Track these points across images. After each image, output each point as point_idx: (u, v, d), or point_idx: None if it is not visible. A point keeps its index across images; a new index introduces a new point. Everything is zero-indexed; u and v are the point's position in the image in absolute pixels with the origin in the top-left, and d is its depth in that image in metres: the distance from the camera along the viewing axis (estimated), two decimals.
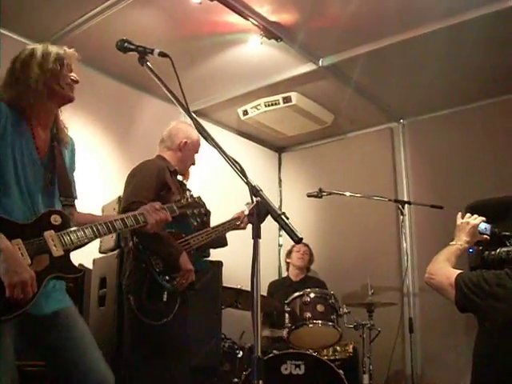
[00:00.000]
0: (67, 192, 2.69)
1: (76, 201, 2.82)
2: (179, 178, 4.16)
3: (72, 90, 2.69)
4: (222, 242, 4.36)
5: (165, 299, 3.59)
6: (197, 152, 4.18)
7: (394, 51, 5.21)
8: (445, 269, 2.95)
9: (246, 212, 4.09)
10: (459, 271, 2.89)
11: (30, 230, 2.41)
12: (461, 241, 3.15)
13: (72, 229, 2.52)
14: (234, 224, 4.13)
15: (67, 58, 2.68)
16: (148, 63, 2.52)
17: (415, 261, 6.31)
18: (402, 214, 5.56)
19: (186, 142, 4.09)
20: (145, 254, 3.58)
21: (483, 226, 3.20)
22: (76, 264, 2.52)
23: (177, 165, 4.06)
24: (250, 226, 3.80)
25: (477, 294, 2.74)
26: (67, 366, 2.56)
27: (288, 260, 6.49)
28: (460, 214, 3.31)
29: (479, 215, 5.33)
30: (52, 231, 2.45)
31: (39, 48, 2.63)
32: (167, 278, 3.60)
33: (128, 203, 3.53)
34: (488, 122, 6.06)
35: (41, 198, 2.57)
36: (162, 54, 2.48)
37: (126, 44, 2.53)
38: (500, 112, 6.00)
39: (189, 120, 2.38)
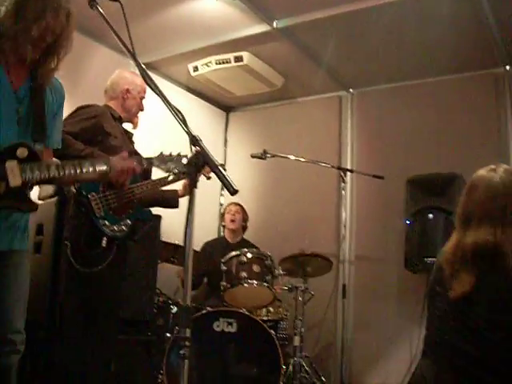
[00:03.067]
0: (40, 132, 2.63)
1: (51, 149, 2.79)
2: (128, 126, 4.15)
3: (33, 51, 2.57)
4: (173, 203, 4.37)
5: (104, 245, 3.56)
6: (142, 98, 4.17)
7: (350, 19, 5.20)
8: None
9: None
10: None
11: None
12: None
13: (36, 163, 2.48)
14: (178, 179, 4.12)
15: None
16: (98, 7, 2.47)
17: (353, 229, 6.40)
18: (344, 181, 5.64)
19: (127, 89, 4.10)
20: (86, 198, 3.54)
21: None
22: None
23: (122, 113, 4.08)
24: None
25: None
26: None
27: (223, 223, 6.48)
28: None
29: (417, 189, 5.49)
30: (15, 161, 2.41)
31: None
32: (107, 223, 3.58)
33: None
34: (434, 99, 6.13)
35: (12, 132, 2.52)
36: None
37: None
38: (446, 90, 6.08)
39: (136, 70, 2.36)
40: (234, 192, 1.94)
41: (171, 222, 4.65)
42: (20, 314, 2.62)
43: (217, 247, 6.08)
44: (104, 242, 3.54)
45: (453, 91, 6.04)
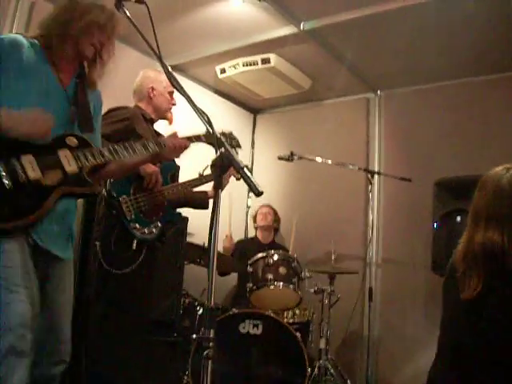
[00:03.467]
0: (88, 124, 2.70)
1: None
2: (160, 124, 4.22)
3: (90, 51, 2.70)
4: (203, 204, 4.38)
5: (134, 248, 3.59)
6: (171, 92, 4.17)
7: (376, 21, 5.16)
8: None
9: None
10: None
11: (45, 149, 2.43)
12: None
13: (88, 149, 2.55)
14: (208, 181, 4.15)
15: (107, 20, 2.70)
16: (125, 9, 2.50)
17: (380, 232, 6.35)
18: (371, 183, 5.61)
19: (152, 87, 4.13)
20: (117, 200, 3.57)
21: None
22: None
23: (152, 112, 4.11)
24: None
25: None
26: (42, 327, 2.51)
27: (255, 225, 6.55)
28: None
29: (446, 191, 5.44)
30: (67, 149, 2.47)
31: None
32: (137, 226, 3.60)
33: None
34: (462, 100, 6.06)
35: (63, 129, 2.58)
36: (139, 1, 2.47)
37: None
38: (475, 91, 6.01)
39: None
40: (258, 194, 1.94)
41: (198, 224, 4.66)
42: (68, 323, 2.65)
43: (249, 247, 6.13)
44: (134, 245, 3.56)
45: (482, 92, 5.96)
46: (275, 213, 6.45)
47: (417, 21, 5.09)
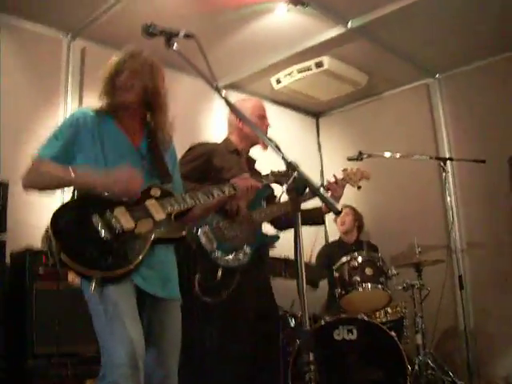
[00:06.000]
0: (165, 175, 2.83)
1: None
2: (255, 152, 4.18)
3: (122, 94, 2.79)
4: (318, 221, 4.32)
5: (219, 277, 3.60)
6: (260, 116, 4.06)
7: (421, 6, 5.12)
8: None
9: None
10: None
11: (133, 202, 2.60)
12: None
13: (172, 197, 2.71)
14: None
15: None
16: (175, 46, 2.54)
17: (461, 216, 6.25)
18: (445, 171, 5.49)
19: (239, 119, 4.04)
20: (195, 234, 3.60)
21: None
22: None
23: (241, 143, 4.05)
24: None
25: None
26: (148, 362, 2.59)
27: (337, 228, 6.50)
28: None
29: None
30: (153, 200, 2.65)
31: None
32: (219, 254, 3.59)
33: None
34: None
35: (142, 186, 2.68)
36: (187, 36, 2.51)
37: (150, 29, 2.55)
38: None
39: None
40: (338, 213, 1.95)
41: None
42: (174, 358, 2.73)
43: (334, 249, 6.08)
44: (219, 274, 3.58)
45: None
46: (354, 212, 6.34)
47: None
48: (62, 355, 4.02)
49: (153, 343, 2.61)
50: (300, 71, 6.09)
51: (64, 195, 4.54)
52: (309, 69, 6.05)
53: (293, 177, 1.99)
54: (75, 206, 2.62)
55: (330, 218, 6.98)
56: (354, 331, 4.54)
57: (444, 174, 5.50)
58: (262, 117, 4.08)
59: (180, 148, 3.85)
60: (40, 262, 4.27)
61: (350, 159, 5.43)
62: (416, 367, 4.94)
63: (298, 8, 5.04)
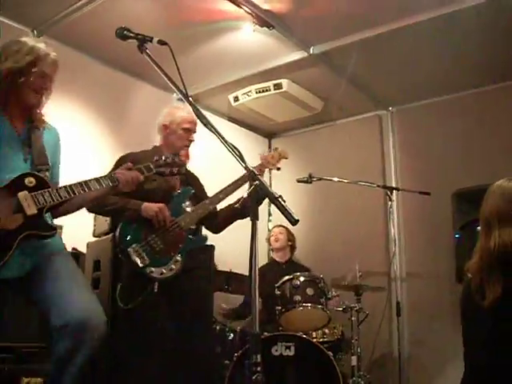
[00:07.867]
0: (42, 160, 2.83)
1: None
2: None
3: (34, 97, 2.85)
4: (245, 213, 3.97)
5: (155, 290, 3.60)
6: (185, 129, 4.01)
7: (384, 40, 5.28)
8: None
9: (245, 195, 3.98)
10: None
11: (5, 192, 2.56)
12: None
13: (46, 189, 2.65)
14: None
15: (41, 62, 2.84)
16: (147, 51, 2.61)
17: (402, 246, 6.42)
18: (390, 199, 5.67)
19: (164, 125, 4.03)
20: (125, 253, 3.59)
21: None
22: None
23: (169, 149, 3.92)
24: None
25: None
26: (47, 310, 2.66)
27: (270, 247, 6.56)
28: None
29: (465, 202, 5.47)
30: (26, 192, 2.59)
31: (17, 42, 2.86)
32: (153, 269, 3.58)
33: None
34: (475, 111, 6.14)
35: (20, 170, 2.70)
36: (161, 42, 2.58)
37: (125, 32, 2.62)
38: (488, 101, 6.09)
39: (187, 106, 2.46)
40: (295, 222, 2.01)
41: (222, 251, 4.74)
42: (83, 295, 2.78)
43: (267, 270, 6.12)
44: (156, 287, 3.59)
45: (493, 100, 6.04)
46: (288, 232, 6.38)
47: (424, 36, 5.20)
48: None
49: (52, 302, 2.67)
50: (258, 91, 6.17)
51: None
52: (267, 89, 6.13)
53: (253, 185, 2.06)
54: None
55: (262, 237, 7.12)
56: (292, 348, 4.59)
57: (390, 202, 5.68)
58: (188, 130, 4.02)
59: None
60: None
61: (299, 181, 5.55)
62: None
63: (264, 29, 5.13)
